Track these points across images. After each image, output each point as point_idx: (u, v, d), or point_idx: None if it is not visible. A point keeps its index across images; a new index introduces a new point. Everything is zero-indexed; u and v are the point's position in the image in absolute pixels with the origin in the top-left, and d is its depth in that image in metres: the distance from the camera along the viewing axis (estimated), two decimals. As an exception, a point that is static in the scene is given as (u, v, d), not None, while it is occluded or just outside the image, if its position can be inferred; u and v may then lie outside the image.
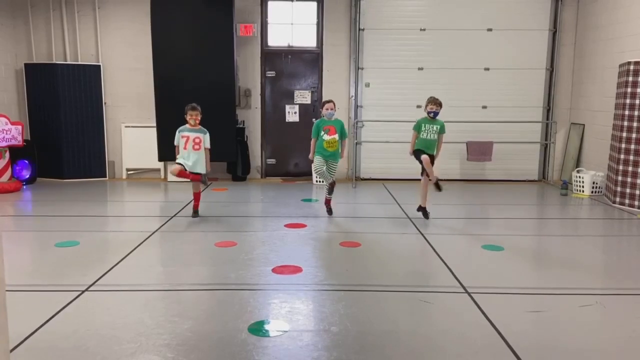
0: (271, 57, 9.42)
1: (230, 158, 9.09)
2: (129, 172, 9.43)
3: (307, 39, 9.44)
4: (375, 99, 9.34)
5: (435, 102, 6.16)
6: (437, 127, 6.16)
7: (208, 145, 6.40)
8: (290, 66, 9.46)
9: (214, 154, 8.88)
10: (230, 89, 8.73)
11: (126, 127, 9.29)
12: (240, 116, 9.32)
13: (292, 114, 9.52)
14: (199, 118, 6.34)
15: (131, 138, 9.28)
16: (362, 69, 9.29)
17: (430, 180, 6.14)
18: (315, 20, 9.35)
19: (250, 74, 9.36)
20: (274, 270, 4.50)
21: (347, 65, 9.34)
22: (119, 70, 9.18)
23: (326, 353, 3.07)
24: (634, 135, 7.02)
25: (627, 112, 7.08)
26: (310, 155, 6.41)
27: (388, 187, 8.80)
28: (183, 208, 6.94)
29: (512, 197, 8.13)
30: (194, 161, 6.26)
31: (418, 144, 6.21)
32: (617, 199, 7.27)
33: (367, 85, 9.34)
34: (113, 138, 9.34)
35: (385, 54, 9.23)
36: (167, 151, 8.85)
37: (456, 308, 3.76)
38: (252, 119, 9.48)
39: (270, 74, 9.45)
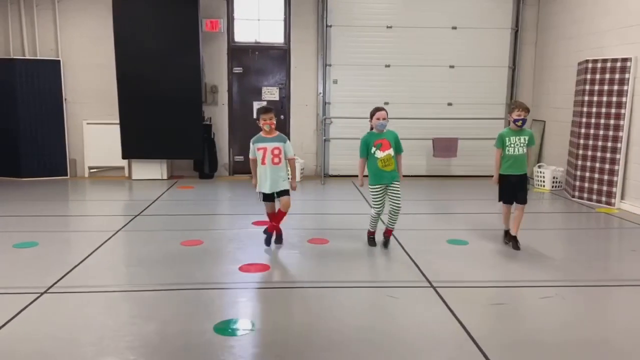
0: (238, 53, 9.33)
1: (196, 155, 8.97)
2: (91, 170, 9.19)
3: (274, 35, 9.37)
4: (343, 96, 9.35)
5: (522, 106, 4.93)
6: (525, 139, 5.00)
7: (291, 155, 5.10)
8: (257, 62, 9.39)
9: (180, 151, 8.85)
10: (196, 85, 8.60)
11: (88, 124, 9.05)
12: (207, 113, 9.20)
13: (259, 111, 9.44)
14: (274, 122, 4.99)
15: (93, 135, 9.05)
16: (330, 65, 9.29)
17: (512, 230, 5.13)
18: (282, 16, 9.30)
19: (216, 70, 9.24)
20: (241, 269, 4.46)
21: (315, 62, 9.33)
22: (80, 66, 8.93)
23: (293, 351, 3.06)
24: (591, 132, 7.26)
25: (585, 109, 7.31)
26: (360, 181, 5.08)
27: (356, 183, 8.82)
28: (148, 207, 6.81)
29: (476, 192, 8.28)
30: (274, 179, 4.95)
31: (505, 163, 5.11)
32: (576, 193, 7.50)
33: (335, 82, 9.35)
34: (74, 135, 9.08)
35: (353, 51, 9.26)
36: (131, 148, 8.69)
37: (422, 302, 3.81)
38: (219, 115, 9.37)
39: (238, 70, 9.35)
